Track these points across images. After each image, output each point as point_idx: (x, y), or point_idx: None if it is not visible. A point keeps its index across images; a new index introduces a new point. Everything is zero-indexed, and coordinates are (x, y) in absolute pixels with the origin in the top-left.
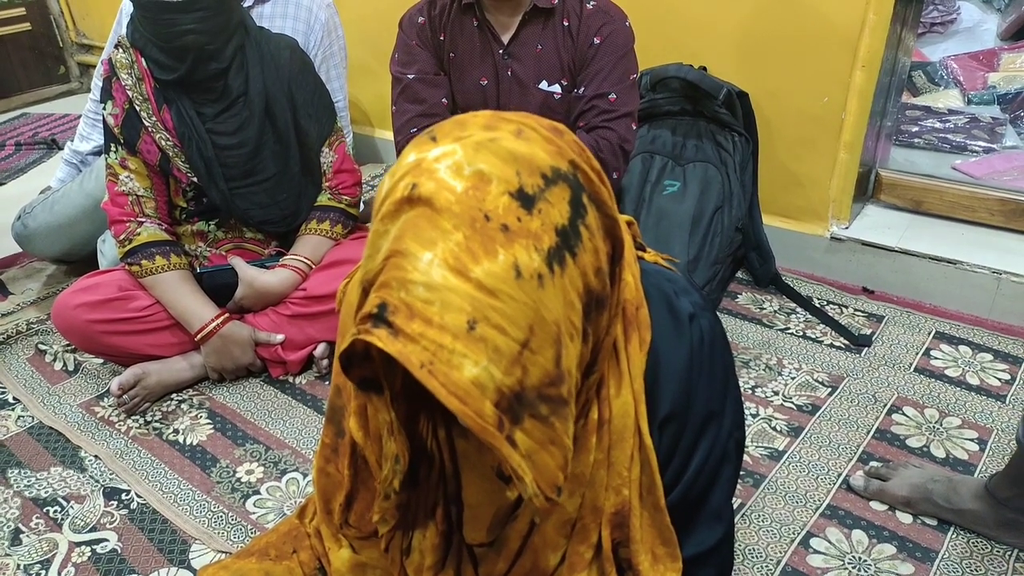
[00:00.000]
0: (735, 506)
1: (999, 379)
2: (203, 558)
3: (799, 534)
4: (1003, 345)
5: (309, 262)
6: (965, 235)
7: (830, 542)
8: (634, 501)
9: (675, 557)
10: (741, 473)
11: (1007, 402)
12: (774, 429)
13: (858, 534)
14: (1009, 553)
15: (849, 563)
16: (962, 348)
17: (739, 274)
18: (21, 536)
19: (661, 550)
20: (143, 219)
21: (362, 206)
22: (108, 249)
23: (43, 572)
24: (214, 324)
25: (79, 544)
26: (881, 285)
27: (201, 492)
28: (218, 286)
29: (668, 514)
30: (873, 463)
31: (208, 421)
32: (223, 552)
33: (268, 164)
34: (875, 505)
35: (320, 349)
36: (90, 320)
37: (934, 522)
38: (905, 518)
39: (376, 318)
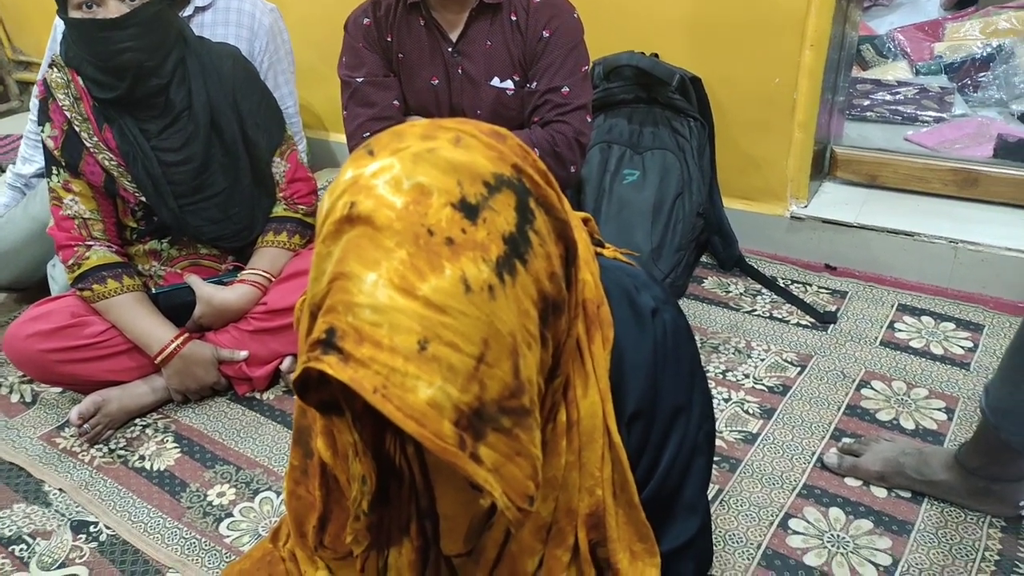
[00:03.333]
0: (712, 493)
1: (962, 347)
2: None
3: (777, 516)
4: (964, 313)
5: (268, 275)
6: (920, 206)
7: (808, 522)
8: (608, 500)
9: (653, 552)
10: (717, 459)
11: (971, 370)
12: (747, 412)
13: (835, 512)
14: (982, 520)
15: (828, 541)
16: (925, 319)
17: (703, 259)
18: None
19: (638, 547)
20: (91, 242)
21: None
22: (58, 274)
23: None
24: (174, 345)
25: None
26: (843, 261)
27: (172, 519)
28: (175, 306)
29: (643, 510)
30: (845, 439)
31: (175, 445)
32: None
33: (218, 178)
34: (850, 481)
35: (286, 363)
36: (44, 350)
37: (908, 494)
38: (880, 492)
39: (325, 344)
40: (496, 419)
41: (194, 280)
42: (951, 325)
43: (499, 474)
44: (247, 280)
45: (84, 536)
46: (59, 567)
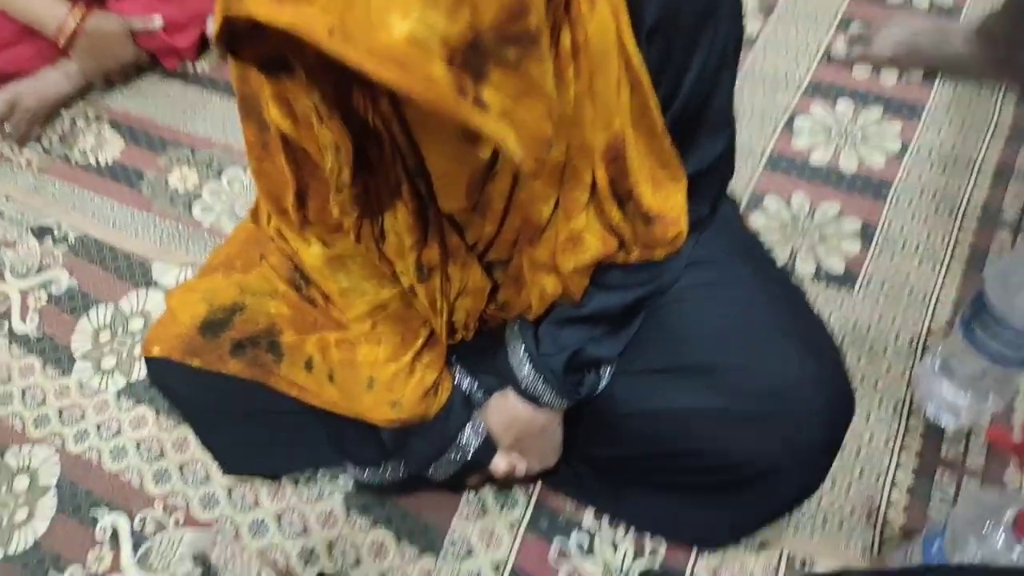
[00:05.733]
0: None
1: None
2: (169, 275)
3: (782, 119)
4: None
5: None
6: None
7: (814, 119)
8: (627, 131)
9: (678, 177)
10: None
11: None
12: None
13: (843, 105)
14: (994, 95)
15: (836, 136)
16: None
17: None
18: None
19: (661, 173)
20: None
21: None
22: None
23: (4, 323)
24: (72, 21)
25: (30, 289)
26: None
27: (140, 211)
28: None
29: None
30: (853, 26)
31: (115, 134)
32: (188, 264)
33: None
34: (858, 73)
35: (212, 23)
36: None
37: (919, 78)
38: (889, 80)
39: None
40: (498, 51)
41: None
42: None
43: (510, 120)
44: None
45: (51, 240)
46: (36, 272)
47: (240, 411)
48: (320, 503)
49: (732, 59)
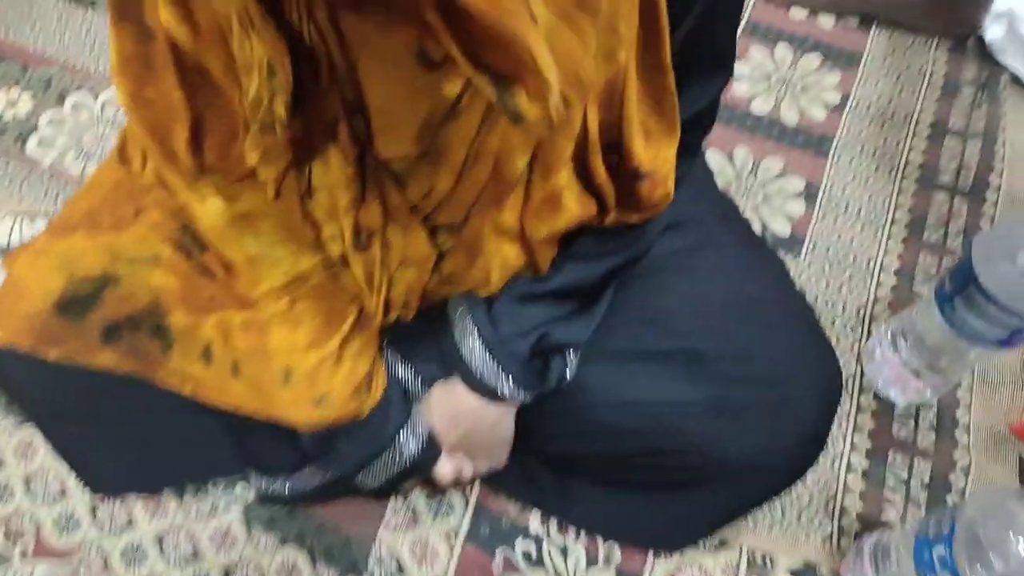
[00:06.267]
0: None
1: None
2: (1, 228)
3: None
4: None
5: None
6: None
7: (753, 64)
8: (631, 70)
9: (671, 126)
10: None
11: None
12: None
13: (781, 49)
14: (931, 42)
15: (776, 83)
16: None
17: None
18: None
19: (653, 121)
20: None
21: None
22: None
23: None
24: None
25: None
26: None
27: None
28: None
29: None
30: None
31: None
32: (23, 214)
33: None
34: (794, 13)
35: None
36: None
37: (855, 24)
38: (827, 22)
39: None
40: None
41: None
42: None
43: (553, 47)
44: None
45: None
46: None
47: (112, 414)
48: (213, 520)
49: None
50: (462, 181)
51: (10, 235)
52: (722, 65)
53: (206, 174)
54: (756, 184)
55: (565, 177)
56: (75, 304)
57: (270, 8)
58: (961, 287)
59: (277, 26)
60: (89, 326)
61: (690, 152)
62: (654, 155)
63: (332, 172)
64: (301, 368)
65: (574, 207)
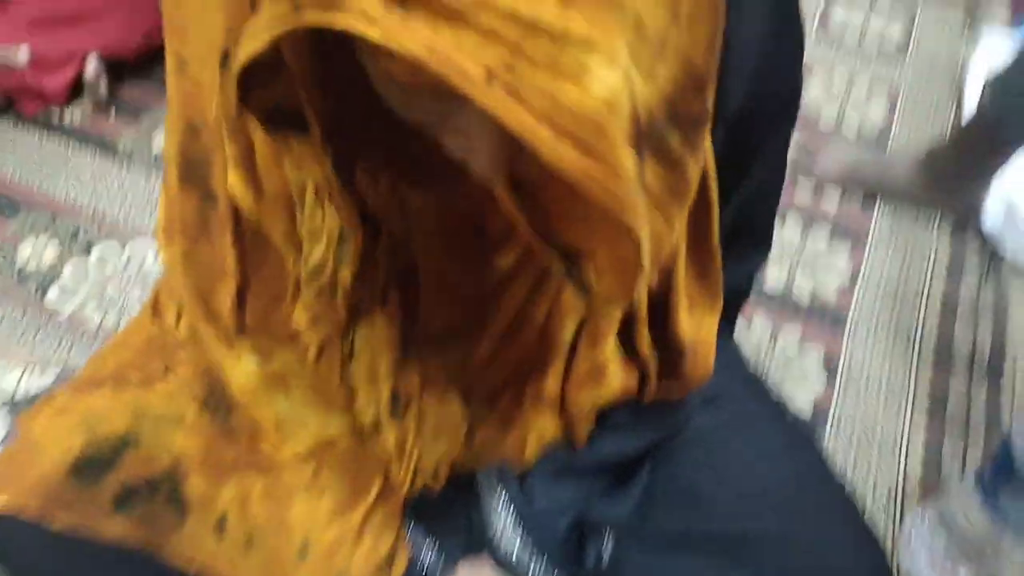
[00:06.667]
0: None
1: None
2: (6, 378)
3: None
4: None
5: None
6: None
7: None
8: (681, 240)
9: (715, 295)
10: None
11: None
12: None
13: (791, 224)
14: (933, 223)
15: (787, 257)
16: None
17: None
18: None
19: (697, 290)
20: None
21: None
22: None
23: None
24: None
25: None
26: None
27: None
28: None
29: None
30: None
31: None
32: (34, 364)
33: None
34: (800, 192)
35: (92, 66)
36: None
37: (859, 200)
38: (831, 200)
39: None
40: (662, 134)
41: None
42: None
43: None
44: None
45: None
46: None
47: None
48: None
49: (786, 159)
50: (504, 349)
51: (17, 385)
52: (763, 241)
53: (245, 334)
54: (775, 357)
55: (611, 346)
56: (92, 466)
57: (346, 179)
58: (1005, 478)
59: (351, 197)
60: (103, 490)
61: (728, 321)
62: (697, 326)
63: (376, 336)
64: (320, 543)
65: (618, 379)
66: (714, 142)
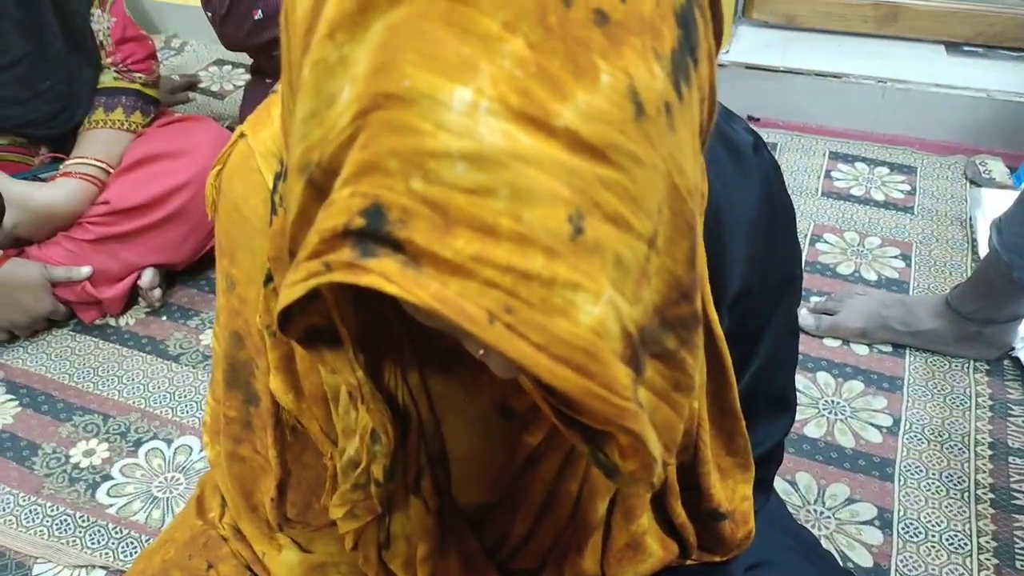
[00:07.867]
0: None
1: (901, 191)
2: None
3: None
4: (895, 156)
5: (104, 165)
6: (843, 47)
7: (799, 391)
8: (703, 413)
9: (746, 464)
10: None
11: (915, 213)
12: None
13: (823, 377)
14: (967, 365)
15: (824, 408)
16: (859, 165)
17: None
18: None
19: (727, 461)
20: None
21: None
22: None
23: None
24: None
25: None
26: (765, 111)
27: (26, 493)
28: None
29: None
30: (814, 298)
31: (10, 397)
32: (83, 568)
33: (13, 41)
34: (828, 343)
35: (147, 278)
36: None
37: (889, 348)
38: (861, 350)
39: (365, 237)
40: (658, 338)
41: None
42: (885, 170)
43: (653, 423)
44: (74, 173)
45: None
46: None
47: None
48: None
49: (797, 324)
50: (540, 525)
51: None
52: (785, 407)
53: (287, 526)
54: (825, 511)
55: (646, 520)
56: None
57: (376, 382)
58: None
59: (383, 397)
60: None
61: (764, 487)
62: (731, 493)
63: (412, 522)
64: None
65: (657, 550)
66: (720, 322)
